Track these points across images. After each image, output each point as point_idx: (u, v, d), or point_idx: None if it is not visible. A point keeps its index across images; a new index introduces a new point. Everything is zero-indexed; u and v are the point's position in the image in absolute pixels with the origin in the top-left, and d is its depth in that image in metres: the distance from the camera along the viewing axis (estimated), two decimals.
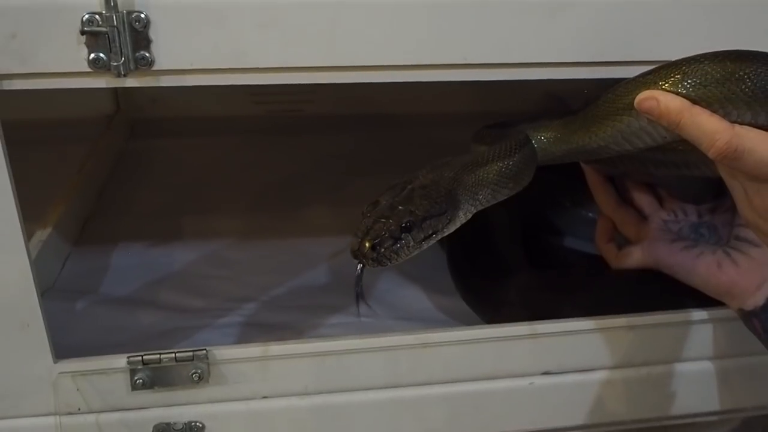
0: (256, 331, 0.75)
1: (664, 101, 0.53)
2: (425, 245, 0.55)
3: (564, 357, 0.69)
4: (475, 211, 0.58)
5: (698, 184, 0.76)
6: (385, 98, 1.20)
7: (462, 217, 0.57)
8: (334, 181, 1.05)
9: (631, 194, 0.78)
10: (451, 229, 0.56)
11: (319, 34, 0.55)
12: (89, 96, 1.14)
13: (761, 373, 0.72)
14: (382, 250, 0.52)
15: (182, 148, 1.13)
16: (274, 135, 1.17)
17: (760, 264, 0.66)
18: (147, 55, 0.54)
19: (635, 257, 0.72)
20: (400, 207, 0.54)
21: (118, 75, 0.54)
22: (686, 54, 0.58)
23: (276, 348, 0.65)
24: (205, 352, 0.64)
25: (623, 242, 0.76)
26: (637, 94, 0.55)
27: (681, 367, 0.71)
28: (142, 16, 0.53)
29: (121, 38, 0.53)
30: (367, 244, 0.52)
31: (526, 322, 0.68)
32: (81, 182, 0.95)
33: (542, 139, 0.66)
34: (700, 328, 0.70)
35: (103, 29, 0.52)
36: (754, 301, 0.66)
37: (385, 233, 0.52)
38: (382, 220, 0.53)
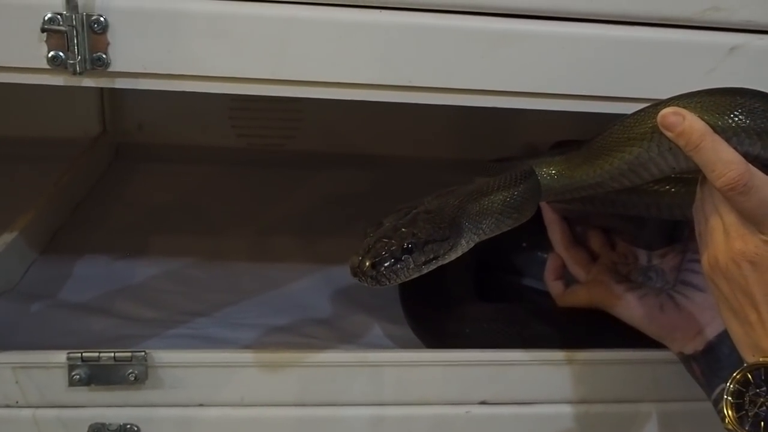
0: (202, 343, 0.76)
1: (690, 119, 0.54)
2: (425, 269, 0.56)
3: (502, 387, 0.70)
4: (477, 240, 0.60)
5: (652, 230, 0.78)
6: (369, 138, 1.24)
7: (464, 245, 0.58)
8: (307, 215, 1.08)
9: (584, 235, 0.79)
10: (453, 256, 0.58)
11: (269, 47, 0.59)
12: (76, 117, 1.19)
13: (702, 418, 0.72)
14: (382, 269, 0.54)
15: (163, 174, 1.16)
16: (254, 167, 1.20)
17: (702, 309, 0.67)
18: (103, 56, 0.57)
19: (581, 296, 0.74)
20: (403, 229, 0.55)
21: (74, 73, 0.57)
22: (630, 91, 0.61)
23: (213, 356, 0.67)
24: (144, 354, 0.65)
25: (571, 281, 0.77)
26: (649, 124, 0.56)
27: (620, 408, 0.72)
28: (102, 19, 0.57)
29: (80, 38, 0.56)
30: (367, 262, 0.53)
31: (466, 350, 0.69)
32: (56, 195, 0.98)
33: (543, 174, 0.66)
34: (642, 368, 0.71)
35: (63, 29, 0.56)
36: (693, 346, 0.67)
37: (386, 253, 0.54)
38: (384, 240, 0.54)
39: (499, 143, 1.18)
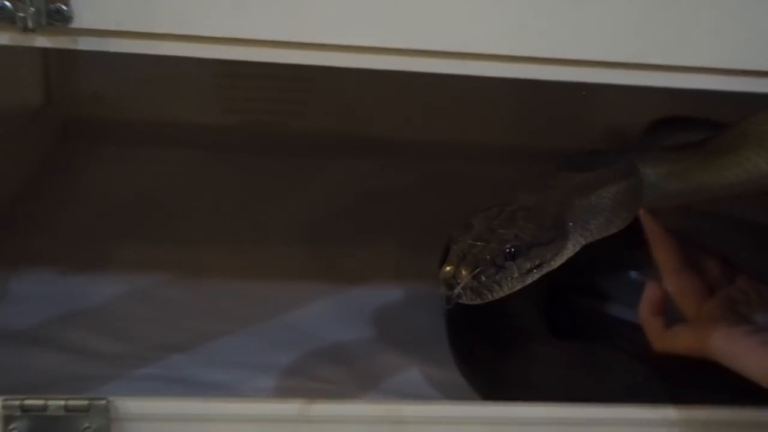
0: (181, 388, 0.77)
1: None
2: (529, 279, 0.58)
3: None
4: (584, 243, 0.62)
5: None
6: (397, 119, 1.26)
7: (570, 249, 0.61)
8: (317, 217, 1.09)
9: (699, 259, 0.78)
10: (558, 262, 0.60)
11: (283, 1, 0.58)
12: (11, 82, 1.17)
13: None
14: (484, 278, 0.55)
15: (125, 160, 1.17)
16: (247, 154, 1.21)
17: None
18: (64, 8, 0.57)
19: (685, 339, 0.73)
20: (501, 230, 0.57)
21: (25, 29, 0.57)
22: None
23: (194, 406, 0.66)
24: (105, 402, 0.65)
25: (673, 318, 0.76)
26: None
27: None
28: None
29: None
30: (464, 272, 0.55)
31: (538, 403, 0.69)
32: None
33: (648, 173, 0.68)
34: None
35: None
36: None
37: (487, 258, 0.56)
38: (480, 243, 0.56)
39: (564, 127, 1.20)
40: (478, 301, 0.56)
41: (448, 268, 0.55)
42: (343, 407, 0.68)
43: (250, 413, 0.67)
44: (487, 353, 0.77)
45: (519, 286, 0.58)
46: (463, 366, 0.80)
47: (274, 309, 0.90)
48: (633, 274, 0.87)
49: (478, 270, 0.55)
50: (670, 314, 0.77)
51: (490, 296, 0.56)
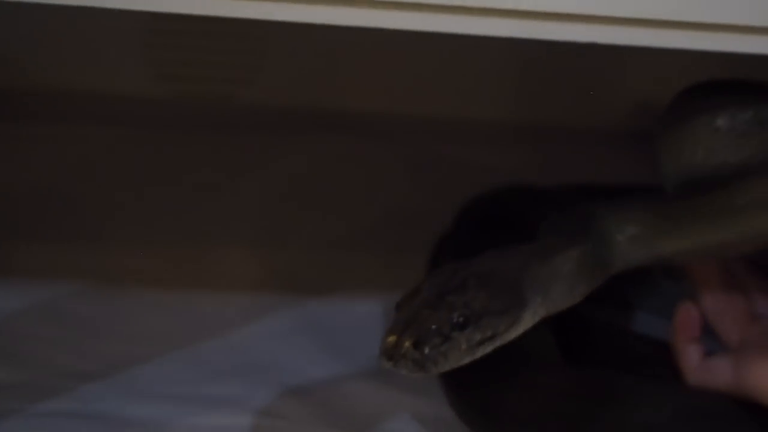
0: (98, 427, 0.77)
1: None
2: (480, 352, 0.62)
3: None
4: (545, 315, 0.66)
5: None
6: (365, 89, 1.27)
7: (528, 320, 0.65)
8: (266, 211, 1.09)
9: (744, 277, 0.79)
10: (514, 334, 0.64)
11: None
12: None
13: None
14: (427, 350, 0.60)
15: (38, 139, 1.17)
16: (183, 130, 1.21)
17: None
18: None
19: (725, 372, 0.73)
20: (450, 297, 0.62)
21: None
22: None
23: None
24: None
25: (711, 348, 0.77)
26: None
27: None
28: None
29: None
30: (407, 343, 0.59)
31: None
32: None
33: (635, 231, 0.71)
34: None
35: None
36: None
37: (432, 328, 0.60)
38: (427, 311, 0.61)
39: (580, 102, 1.21)
40: (421, 374, 0.60)
41: (389, 338, 0.60)
42: None
43: None
44: (482, 381, 0.77)
45: (468, 359, 0.62)
46: (453, 397, 0.80)
47: (214, 327, 0.91)
48: (665, 281, 0.87)
49: (420, 339, 0.60)
50: (708, 342, 0.78)
51: (434, 369, 0.60)
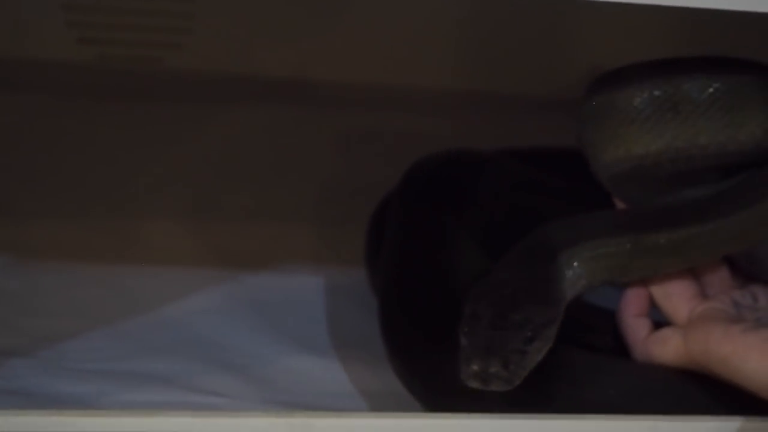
0: (20, 402, 0.75)
1: None
2: (539, 358, 0.69)
3: None
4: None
5: None
6: (303, 55, 1.24)
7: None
8: (198, 182, 1.09)
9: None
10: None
11: None
12: None
13: None
14: (512, 367, 0.66)
15: None
16: (108, 98, 1.19)
17: None
18: None
19: (673, 345, 0.75)
20: (513, 316, 0.69)
21: None
22: None
23: (40, 421, 0.64)
24: None
25: (658, 321, 0.79)
26: None
27: None
28: None
29: None
30: (495, 367, 0.66)
31: (490, 414, 0.69)
32: None
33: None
34: None
35: None
36: None
37: (512, 347, 0.67)
38: (499, 333, 0.68)
39: (531, 68, 1.21)
40: (509, 388, 0.66)
41: (474, 364, 0.66)
42: (230, 421, 0.67)
43: (113, 429, 0.65)
44: (432, 353, 0.77)
45: (533, 366, 0.69)
46: (401, 369, 0.79)
47: (144, 302, 0.90)
48: None
49: (507, 361, 0.66)
50: (656, 318, 0.80)
51: (518, 381, 0.66)
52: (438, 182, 0.92)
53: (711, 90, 0.72)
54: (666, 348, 0.75)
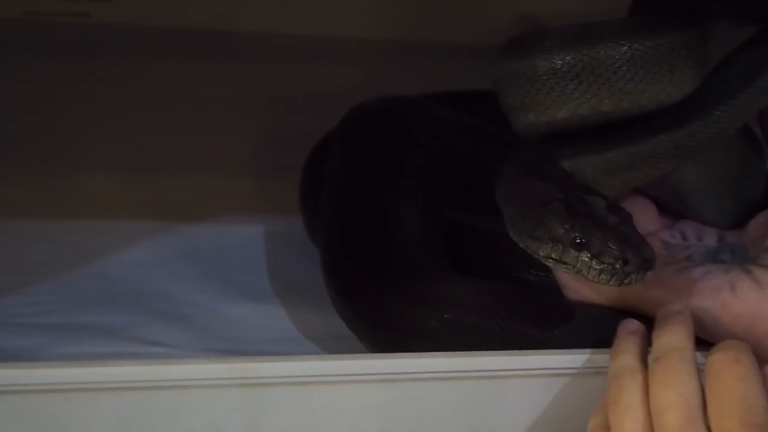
0: None
1: None
2: None
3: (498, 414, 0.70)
4: None
5: (736, 205, 0.84)
6: (232, 9, 1.24)
7: None
8: (132, 135, 1.08)
9: (622, 200, 0.81)
10: None
11: None
12: None
13: None
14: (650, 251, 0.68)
15: None
16: (41, 52, 1.18)
17: None
18: None
19: (605, 287, 0.74)
20: (608, 220, 0.69)
21: None
22: None
23: None
24: None
25: None
26: None
27: None
28: None
29: None
30: (648, 250, 0.67)
31: (430, 354, 0.69)
32: None
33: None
34: None
35: None
36: None
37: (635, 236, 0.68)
38: (623, 228, 0.68)
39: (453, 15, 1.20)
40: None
41: (636, 259, 0.66)
42: (174, 368, 0.67)
43: (56, 381, 0.65)
44: (373, 293, 0.78)
45: None
46: (344, 309, 0.80)
47: (83, 255, 0.89)
48: None
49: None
50: None
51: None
52: (375, 128, 0.93)
53: (614, 58, 0.71)
54: (599, 288, 0.75)
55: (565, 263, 0.68)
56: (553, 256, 0.68)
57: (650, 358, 0.65)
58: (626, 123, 0.74)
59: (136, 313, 0.83)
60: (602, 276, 0.66)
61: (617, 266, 0.66)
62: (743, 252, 0.79)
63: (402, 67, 1.18)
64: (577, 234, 0.67)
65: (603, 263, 0.66)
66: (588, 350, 0.70)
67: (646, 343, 0.67)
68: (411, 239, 0.82)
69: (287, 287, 0.87)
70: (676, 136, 0.75)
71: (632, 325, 0.69)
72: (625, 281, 0.66)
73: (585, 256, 0.67)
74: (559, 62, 0.72)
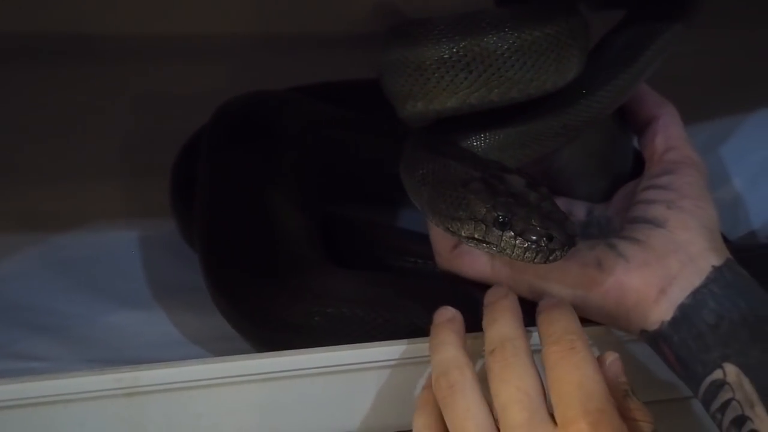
0: None
1: None
2: None
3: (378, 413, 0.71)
4: None
5: (606, 180, 0.85)
6: (95, 11, 1.18)
7: None
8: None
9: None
10: None
11: None
12: None
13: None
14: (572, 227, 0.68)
15: None
16: None
17: (664, 254, 0.70)
18: None
19: (479, 264, 0.76)
20: (528, 196, 0.69)
21: None
22: None
23: None
24: None
25: None
26: None
27: None
28: None
29: None
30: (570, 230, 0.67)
31: (312, 350, 0.70)
32: None
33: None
34: None
35: None
36: (659, 315, 0.69)
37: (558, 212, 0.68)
38: (547, 210, 0.68)
39: (319, 9, 1.19)
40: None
41: (559, 236, 0.66)
42: (56, 383, 0.67)
43: None
44: (253, 288, 0.78)
45: None
46: (224, 307, 0.80)
47: None
48: None
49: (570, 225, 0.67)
50: None
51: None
52: (246, 124, 0.92)
53: (504, 48, 0.71)
54: (473, 265, 0.76)
55: (488, 243, 0.67)
56: (476, 236, 0.67)
57: (485, 350, 0.65)
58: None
59: (11, 328, 0.82)
60: (527, 254, 0.65)
61: (542, 243, 0.65)
62: (610, 224, 0.80)
63: (268, 60, 1.16)
64: (499, 213, 0.66)
65: (527, 241, 0.65)
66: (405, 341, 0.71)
67: (464, 329, 0.67)
68: (289, 235, 0.82)
69: (166, 291, 0.87)
70: (564, 116, 0.76)
71: (448, 312, 0.68)
72: (550, 258, 0.65)
73: (508, 235, 0.66)
74: (448, 51, 0.71)
